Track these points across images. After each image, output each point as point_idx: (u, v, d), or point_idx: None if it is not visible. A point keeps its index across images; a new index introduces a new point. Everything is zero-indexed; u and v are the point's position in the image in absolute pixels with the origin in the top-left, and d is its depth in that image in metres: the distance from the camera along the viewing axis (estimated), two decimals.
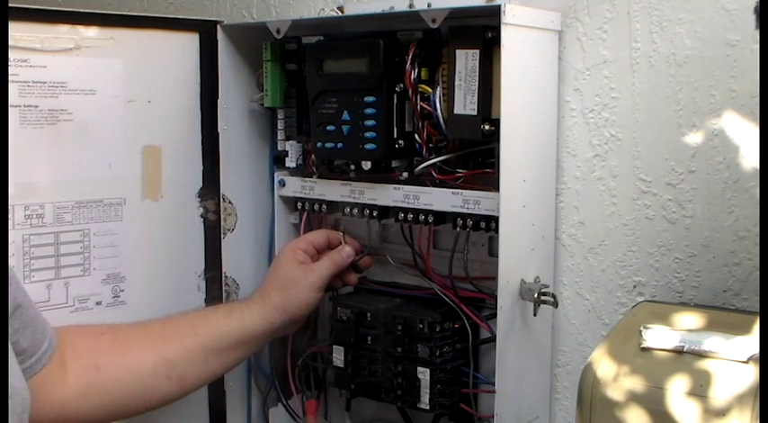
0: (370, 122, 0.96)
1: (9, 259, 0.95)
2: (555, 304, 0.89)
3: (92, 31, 1.00)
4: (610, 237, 0.95)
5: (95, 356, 0.91)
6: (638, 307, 0.86)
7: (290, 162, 1.08)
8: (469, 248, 0.95)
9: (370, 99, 0.96)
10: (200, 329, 0.97)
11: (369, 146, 0.96)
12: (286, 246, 1.06)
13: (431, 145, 0.95)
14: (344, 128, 0.98)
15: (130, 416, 0.95)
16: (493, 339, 0.92)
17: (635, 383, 0.73)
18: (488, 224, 0.93)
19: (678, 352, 0.74)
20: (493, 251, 0.99)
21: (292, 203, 1.10)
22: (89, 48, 1.00)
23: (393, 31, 0.96)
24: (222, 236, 1.09)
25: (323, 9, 1.12)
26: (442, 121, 0.92)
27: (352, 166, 1.00)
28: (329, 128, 0.99)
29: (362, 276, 1.07)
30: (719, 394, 0.69)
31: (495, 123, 0.88)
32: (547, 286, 0.91)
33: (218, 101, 1.06)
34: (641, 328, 0.77)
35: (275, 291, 1.01)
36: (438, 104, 0.92)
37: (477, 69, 0.88)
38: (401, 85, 0.95)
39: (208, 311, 1.04)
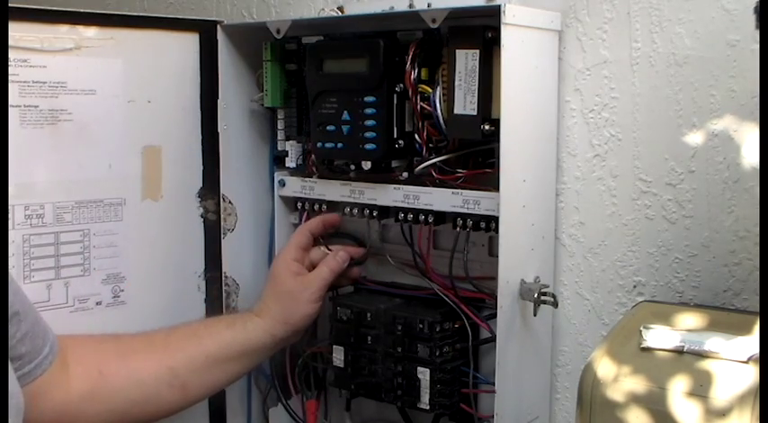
0: (370, 122, 0.96)
1: (9, 259, 0.95)
2: (555, 304, 0.89)
3: (92, 31, 1.00)
4: (610, 237, 0.95)
5: (98, 362, 0.92)
6: (638, 307, 0.86)
7: (290, 162, 1.08)
8: (469, 248, 0.95)
9: (370, 99, 0.96)
10: (203, 339, 0.97)
11: (369, 146, 0.96)
12: (279, 258, 1.05)
13: (431, 145, 0.95)
14: (344, 128, 0.98)
15: None
16: (493, 339, 0.92)
17: (635, 383, 0.73)
18: (488, 224, 0.93)
19: (678, 352, 0.74)
20: (493, 251, 0.99)
21: (292, 203, 1.10)
22: (89, 48, 1.00)
23: (393, 31, 0.96)
24: (222, 236, 1.09)
25: (323, 9, 1.12)
26: (442, 121, 0.92)
27: (352, 166, 1.00)
28: (329, 128, 0.99)
29: (363, 276, 1.08)
30: (720, 394, 0.69)
31: (495, 123, 0.88)
32: (547, 286, 0.91)
33: (218, 101, 1.06)
34: (641, 328, 0.77)
35: (275, 305, 1.01)
36: (438, 104, 0.92)
37: (477, 69, 0.88)
38: (401, 85, 0.95)
39: (211, 322, 1.04)
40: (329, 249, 1.05)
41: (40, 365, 0.85)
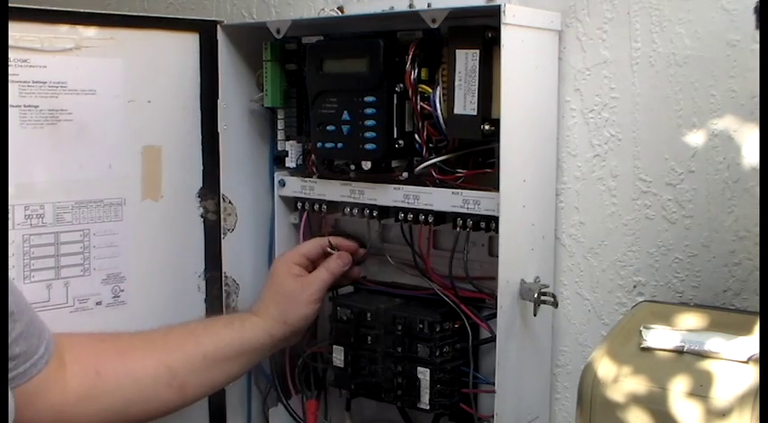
0: (370, 122, 0.96)
1: (9, 259, 0.95)
2: (555, 304, 0.89)
3: (92, 31, 1.00)
4: (610, 237, 0.95)
5: (96, 361, 0.91)
6: (638, 307, 0.86)
7: (290, 162, 1.08)
8: (469, 248, 0.95)
9: (370, 99, 0.96)
10: (201, 338, 0.97)
11: (369, 146, 0.96)
12: (280, 259, 1.06)
13: (431, 145, 0.95)
14: (344, 128, 0.98)
15: None
16: (493, 339, 0.92)
17: (635, 383, 0.73)
18: (488, 224, 0.93)
19: (678, 352, 0.74)
20: (493, 251, 0.99)
21: (292, 203, 1.10)
22: (89, 48, 1.00)
23: (393, 31, 0.96)
24: (222, 236, 1.09)
25: (323, 9, 1.12)
26: (442, 121, 0.92)
27: (352, 166, 1.00)
28: (329, 128, 0.99)
29: (363, 276, 1.08)
30: (720, 394, 0.69)
31: (495, 123, 0.88)
32: (547, 286, 0.91)
33: (218, 101, 1.06)
34: (641, 328, 0.77)
35: (274, 305, 1.01)
36: (438, 104, 0.92)
37: (477, 69, 0.88)
38: (401, 85, 0.95)
39: (209, 322, 1.05)
40: (332, 248, 1.05)
41: (36, 365, 0.85)
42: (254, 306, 1.04)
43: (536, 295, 0.89)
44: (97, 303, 1.03)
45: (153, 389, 0.93)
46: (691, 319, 0.79)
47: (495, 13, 0.84)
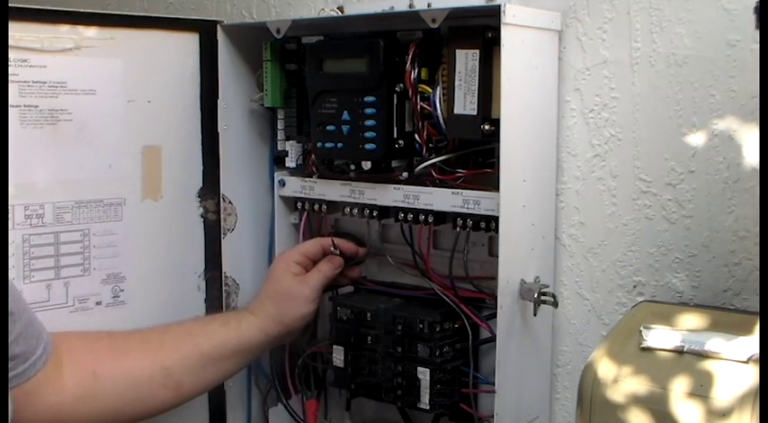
0: (370, 122, 0.96)
1: (9, 259, 0.95)
2: (555, 304, 0.89)
3: (92, 31, 1.00)
4: (610, 237, 0.95)
5: (93, 362, 0.92)
6: (638, 307, 0.86)
7: (290, 162, 1.08)
8: (469, 248, 0.95)
9: (370, 99, 0.96)
10: (197, 338, 0.97)
11: (369, 146, 0.96)
12: (280, 258, 1.06)
13: (431, 145, 0.95)
14: (344, 128, 0.98)
15: (128, 422, 0.95)
16: (493, 339, 0.92)
17: (635, 383, 0.73)
18: (488, 224, 0.93)
19: (678, 352, 0.74)
20: (493, 251, 0.99)
21: (292, 203, 1.10)
22: (89, 48, 1.00)
23: (393, 31, 0.96)
24: (222, 236, 1.09)
25: (323, 9, 1.12)
26: (442, 121, 0.92)
27: (352, 166, 1.00)
28: (329, 128, 0.99)
29: (363, 276, 1.08)
30: (720, 395, 0.69)
31: (495, 123, 0.88)
32: (547, 286, 0.91)
33: (218, 101, 1.06)
34: (641, 328, 0.77)
35: (271, 303, 1.01)
36: (438, 104, 0.92)
37: (477, 69, 0.88)
38: (401, 85, 0.95)
39: (205, 320, 1.05)
40: (335, 249, 1.04)
41: (34, 366, 0.85)
42: (251, 304, 1.04)
43: (536, 295, 0.89)
44: (97, 303, 1.03)
45: (149, 389, 0.94)
46: (691, 319, 0.79)
47: (495, 13, 0.84)
